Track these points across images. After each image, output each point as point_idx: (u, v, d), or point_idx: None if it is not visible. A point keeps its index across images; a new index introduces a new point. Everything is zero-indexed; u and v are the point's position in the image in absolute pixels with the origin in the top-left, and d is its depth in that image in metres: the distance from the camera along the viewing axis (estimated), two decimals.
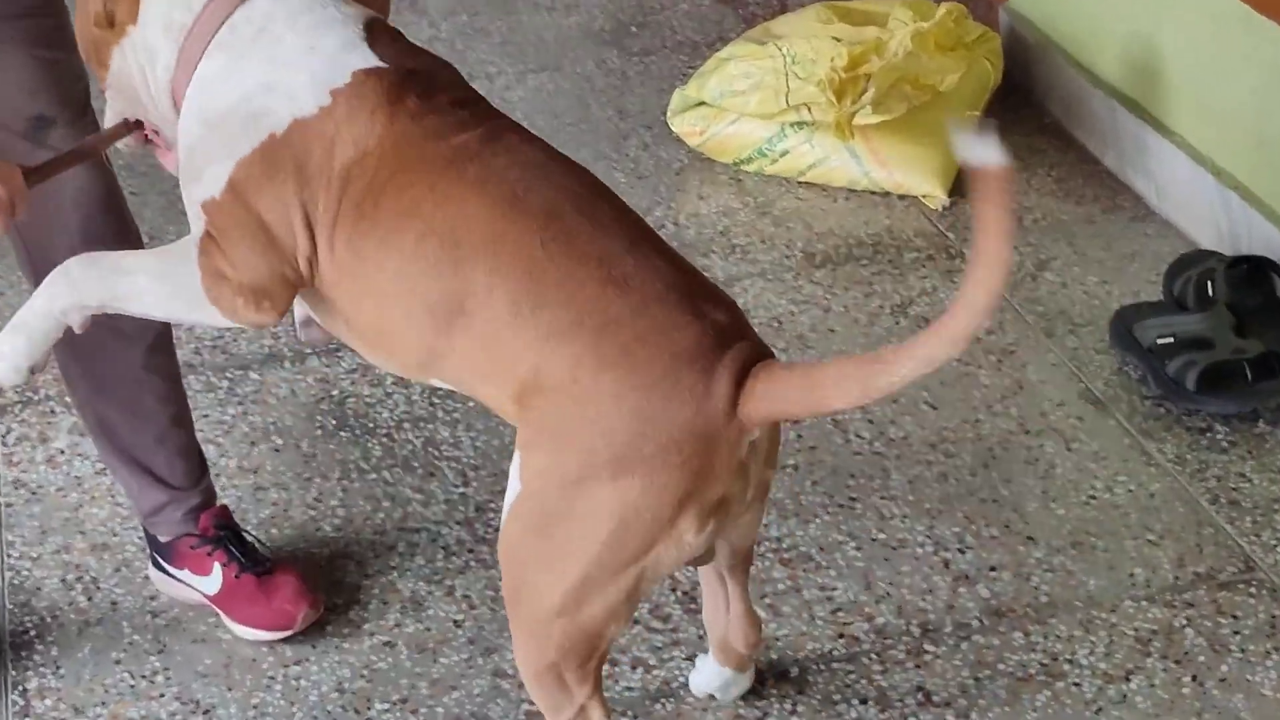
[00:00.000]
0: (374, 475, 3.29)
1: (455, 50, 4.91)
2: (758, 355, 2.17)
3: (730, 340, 2.16)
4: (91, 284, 2.37)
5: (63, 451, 3.40)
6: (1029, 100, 4.42)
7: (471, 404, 3.35)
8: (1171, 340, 3.34)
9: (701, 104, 4.27)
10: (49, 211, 2.61)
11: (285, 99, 2.28)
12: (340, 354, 3.63)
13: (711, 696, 2.80)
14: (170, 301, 2.38)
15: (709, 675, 2.78)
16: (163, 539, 2.99)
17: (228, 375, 3.59)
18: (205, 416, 3.44)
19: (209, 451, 3.19)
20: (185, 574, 2.97)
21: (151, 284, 2.38)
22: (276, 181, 2.29)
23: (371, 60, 2.31)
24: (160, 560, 3.01)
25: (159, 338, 2.89)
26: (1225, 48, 3.64)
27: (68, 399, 3.50)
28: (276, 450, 3.38)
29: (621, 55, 4.90)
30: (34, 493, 3.29)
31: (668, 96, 4.45)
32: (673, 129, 4.36)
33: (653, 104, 4.58)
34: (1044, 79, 4.38)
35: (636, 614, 2.93)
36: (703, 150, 4.30)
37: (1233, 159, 3.67)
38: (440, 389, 3.39)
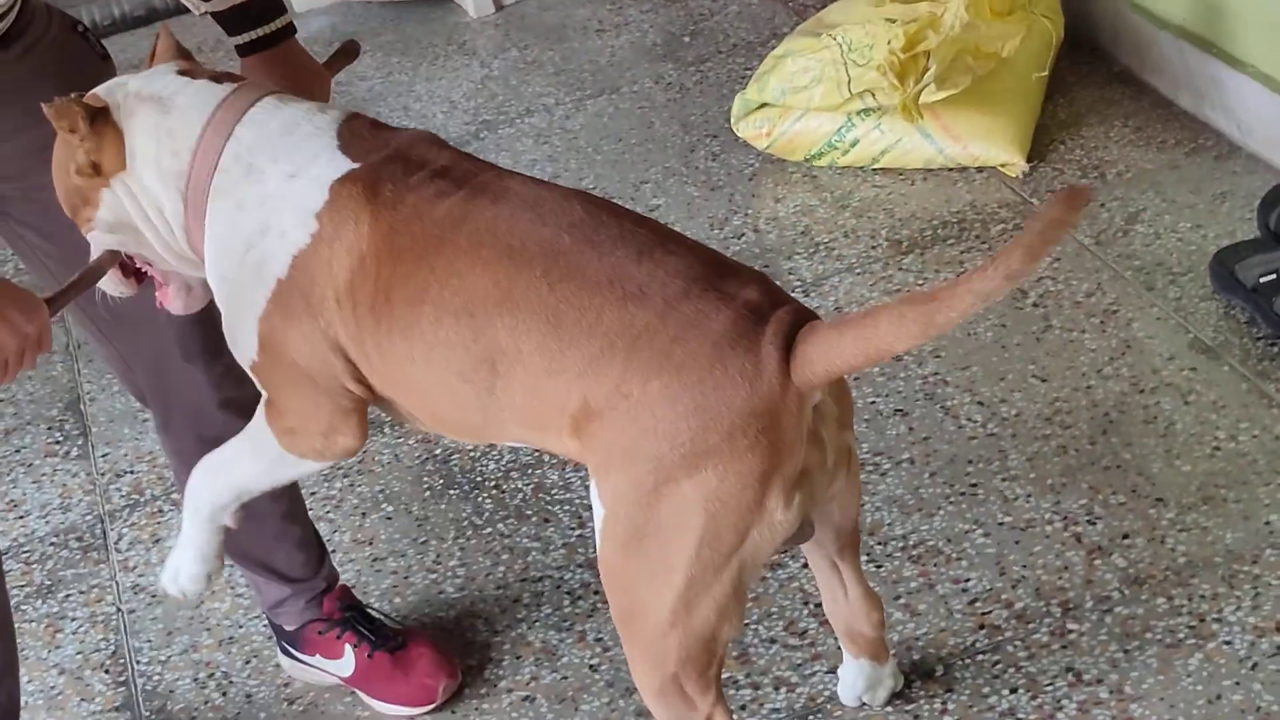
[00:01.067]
0: (489, 529, 3.30)
1: (510, 86, 4.93)
2: (800, 320, 2.17)
3: (767, 313, 2.16)
4: (214, 493, 2.51)
5: None
6: (1096, 52, 4.38)
7: None
8: (1275, 276, 3.30)
9: (764, 105, 4.26)
10: (139, 319, 2.65)
11: (278, 239, 2.32)
12: None
13: (862, 704, 2.78)
14: (274, 471, 2.50)
15: (852, 677, 2.77)
16: (289, 628, 3.00)
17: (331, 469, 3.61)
18: (313, 494, 3.46)
19: (322, 529, 3.21)
20: (317, 659, 2.98)
21: (252, 466, 2.50)
22: (294, 322, 2.33)
23: (345, 166, 2.32)
24: (289, 648, 3.02)
25: None
26: None
27: (174, 496, 3.53)
28: (388, 518, 3.39)
29: (678, 67, 4.90)
30: (154, 596, 3.32)
31: (729, 103, 4.44)
32: (739, 134, 4.35)
33: (715, 112, 4.58)
34: (1108, 27, 4.34)
35: (772, 632, 2.93)
36: (772, 151, 4.29)
37: None
38: None
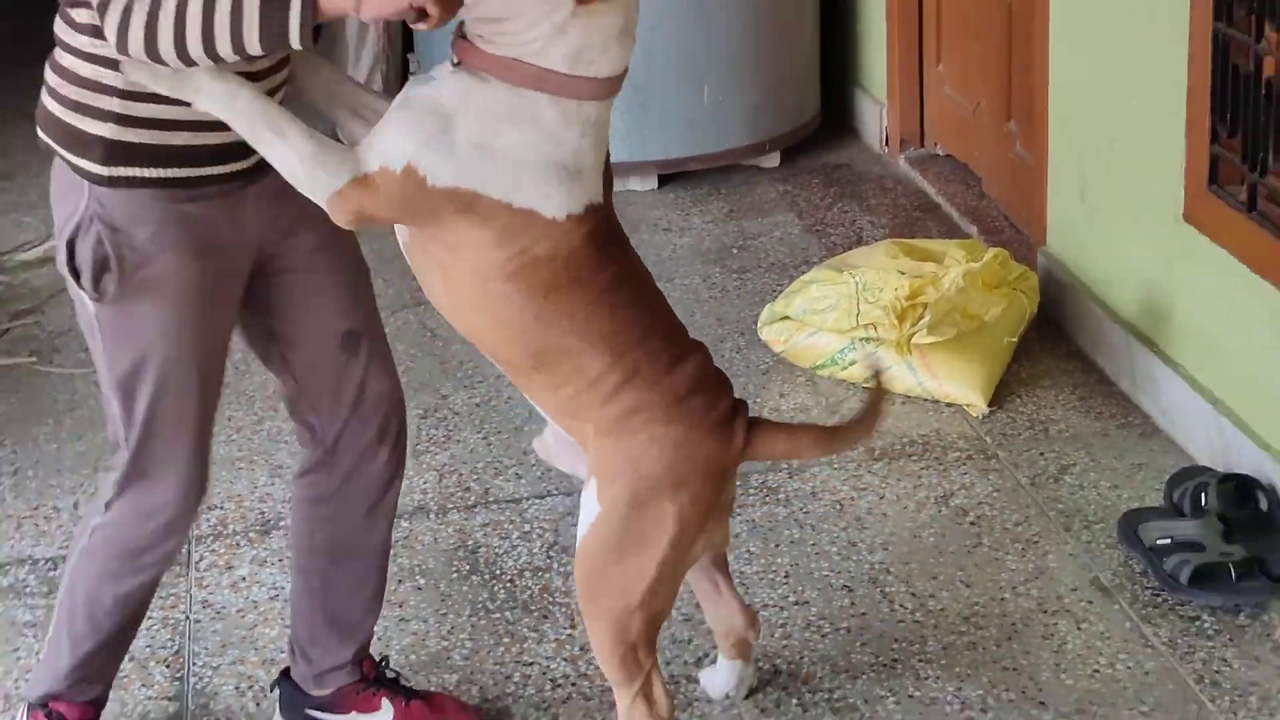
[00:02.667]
0: (498, 614, 3.31)
1: None
2: (746, 409, 2.63)
3: (739, 410, 2.61)
4: (248, 119, 2.34)
5: (244, 579, 3.44)
6: (1059, 331, 4.40)
7: None
8: (1169, 541, 3.31)
9: (786, 318, 4.29)
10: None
11: (536, 195, 2.38)
12: (476, 509, 3.66)
13: (727, 697, 2.97)
14: (298, 174, 2.37)
15: (723, 676, 2.98)
16: (324, 692, 2.87)
17: None
18: None
19: None
20: (353, 716, 2.88)
21: (291, 158, 2.36)
22: (472, 221, 2.38)
23: (596, 198, 2.48)
24: (320, 712, 2.90)
25: (391, 520, 2.88)
26: (1226, 299, 3.64)
27: (251, 534, 3.55)
28: (419, 588, 3.40)
29: (723, 272, 4.94)
30: (218, 612, 3.33)
31: (759, 310, 4.47)
32: (762, 337, 4.38)
33: (746, 315, 4.60)
34: (1072, 314, 4.38)
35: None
36: (785, 356, 4.32)
37: (1227, 391, 3.66)
38: (560, 544, 3.42)
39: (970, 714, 2.99)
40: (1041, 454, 3.84)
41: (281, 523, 3.61)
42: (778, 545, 3.50)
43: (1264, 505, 3.43)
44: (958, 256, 4.24)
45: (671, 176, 5.58)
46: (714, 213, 5.38)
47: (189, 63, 2.23)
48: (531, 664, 3.17)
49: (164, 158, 2.40)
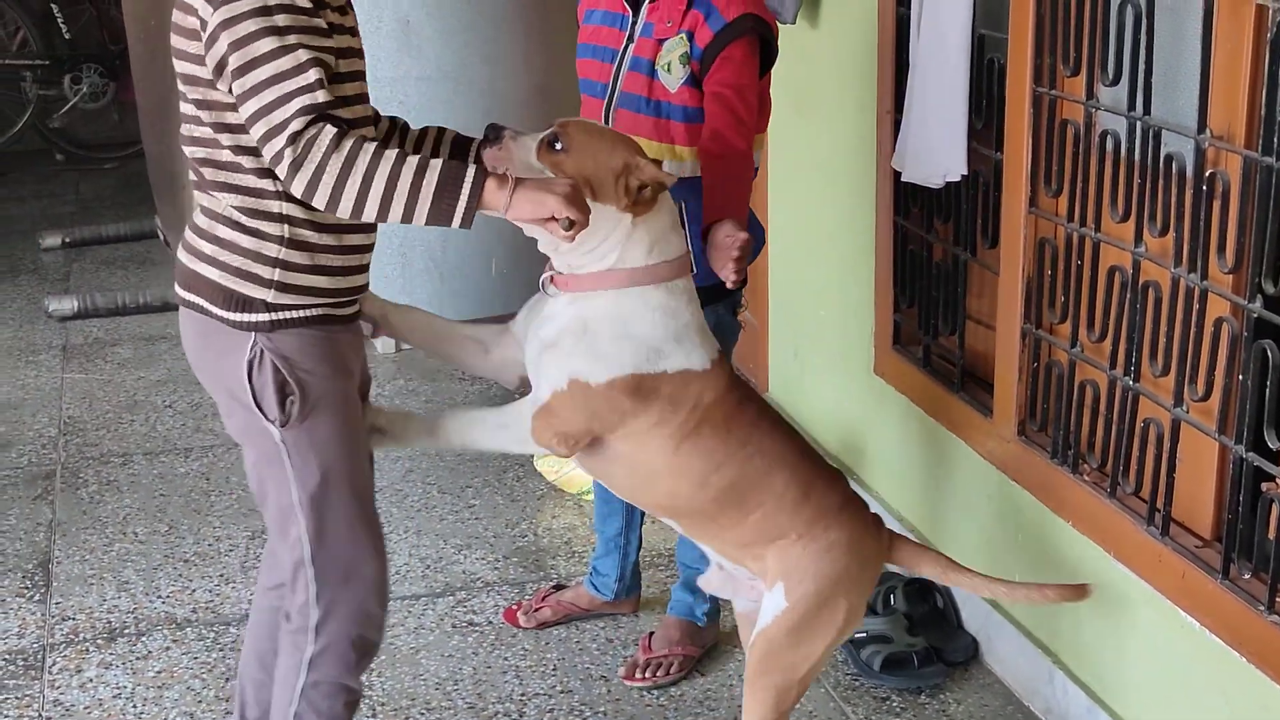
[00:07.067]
0: None
1: (394, 403, 4.93)
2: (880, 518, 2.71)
3: (880, 522, 2.69)
4: (455, 432, 2.53)
5: (91, 680, 3.33)
6: None
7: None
8: (865, 634, 3.39)
9: None
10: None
11: (683, 356, 2.48)
12: None
13: None
14: (508, 443, 2.53)
15: None
16: None
17: (214, 629, 3.57)
18: (195, 659, 3.40)
19: (194, 686, 3.14)
20: None
21: (495, 436, 2.51)
22: (644, 402, 2.45)
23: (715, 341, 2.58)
24: None
25: None
26: (908, 437, 3.75)
27: (99, 640, 3.44)
28: None
29: None
30: (67, 710, 3.23)
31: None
32: (538, 468, 4.39)
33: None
34: None
35: None
36: (556, 484, 4.33)
37: (911, 511, 3.75)
38: None
39: None
40: None
41: (126, 630, 3.53)
42: None
43: (940, 604, 3.54)
44: None
45: None
46: None
47: (357, 218, 2.22)
48: None
49: (318, 300, 2.38)
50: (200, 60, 2.26)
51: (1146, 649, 2.83)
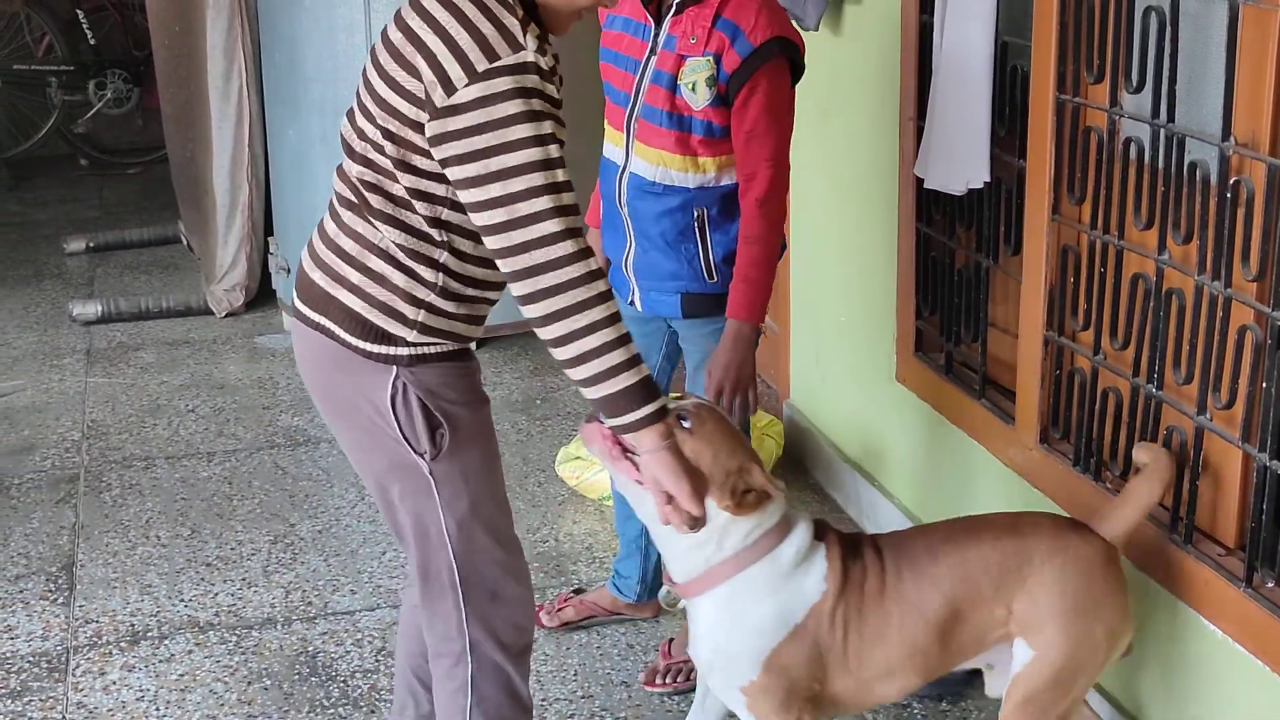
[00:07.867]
0: (332, 711, 3.28)
1: None
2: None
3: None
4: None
5: (114, 683, 3.35)
6: (800, 467, 4.48)
7: None
8: None
9: (578, 458, 4.34)
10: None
11: (802, 600, 2.51)
12: (316, 620, 3.63)
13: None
14: None
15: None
16: None
17: (235, 633, 3.58)
18: (217, 663, 3.42)
19: (216, 689, 3.16)
20: None
21: None
22: (803, 649, 2.50)
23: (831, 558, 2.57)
24: None
25: None
26: (929, 443, 3.75)
27: (122, 643, 3.47)
28: (265, 689, 3.36)
29: (528, 420, 4.95)
30: (91, 712, 3.24)
31: (557, 450, 4.51)
32: (559, 473, 4.40)
33: (546, 455, 4.62)
34: (810, 454, 4.46)
35: None
36: (577, 489, 4.34)
37: (930, 515, 3.75)
38: (387, 649, 3.40)
39: None
40: None
41: (149, 633, 3.55)
42: None
43: None
44: None
45: (486, 340, 5.62)
46: (521, 370, 5.41)
47: (550, 339, 2.19)
48: None
49: (456, 344, 2.36)
50: (409, 102, 2.18)
51: (1168, 657, 2.82)
